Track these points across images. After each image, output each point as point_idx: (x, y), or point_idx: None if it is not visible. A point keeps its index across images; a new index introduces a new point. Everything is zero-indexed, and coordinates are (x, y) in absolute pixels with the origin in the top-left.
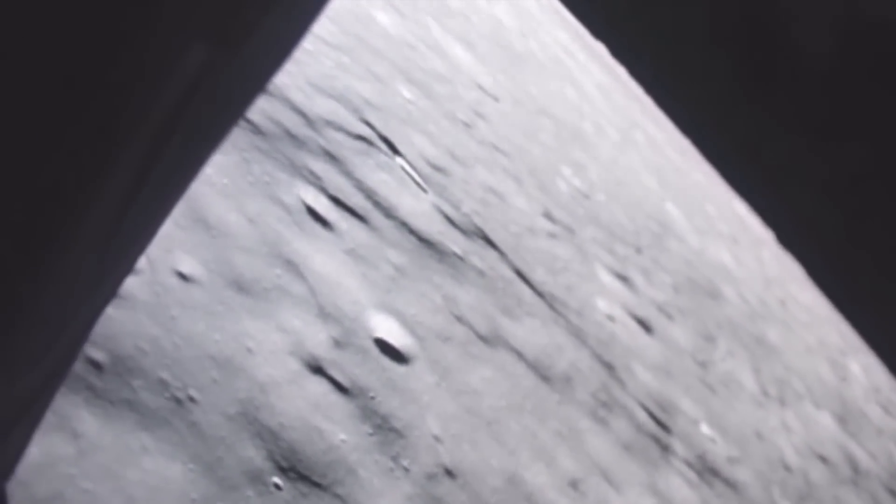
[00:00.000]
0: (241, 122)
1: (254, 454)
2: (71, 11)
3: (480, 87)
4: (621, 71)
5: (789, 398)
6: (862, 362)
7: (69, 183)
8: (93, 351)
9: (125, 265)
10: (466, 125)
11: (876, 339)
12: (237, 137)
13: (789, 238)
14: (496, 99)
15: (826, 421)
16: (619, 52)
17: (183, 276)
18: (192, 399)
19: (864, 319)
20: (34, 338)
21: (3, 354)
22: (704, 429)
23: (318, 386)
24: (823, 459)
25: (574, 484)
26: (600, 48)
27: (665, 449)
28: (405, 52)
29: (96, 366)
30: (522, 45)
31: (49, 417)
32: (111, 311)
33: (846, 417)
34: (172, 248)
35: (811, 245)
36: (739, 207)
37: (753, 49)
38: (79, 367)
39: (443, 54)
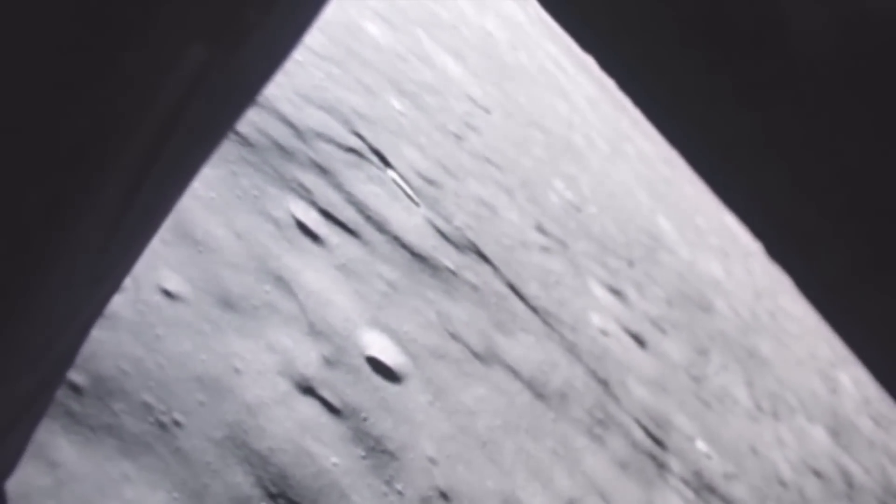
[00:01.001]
0: (230, 134)
1: (242, 480)
2: (70, 12)
3: (471, 99)
4: (610, 83)
5: (782, 412)
6: (851, 374)
7: (68, 184)
8: (72, 373)
9: (123, 267)
10: (458, 137)
11: (864, 350)
12: (225, 149)
13: (778, 249)
14: (487, 111)
15: (819, 435)
16: (607, 65)
17: (168, 294)
18: (176, 423)
19: (852, 331)
20: (33, 339)
21: (2, 355)
22: (700, 445)
23: (309, 407)
24: (818, 474)
25: None
26: (589, 60)
27: (661, 466)
28: (396, 63)
29: (76, 389)
30: (512, 56)
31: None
32: (93, 331)
33: (839, 431)
34: (157, 264)
35: (800, 256)
36: (728, 219)
37: (743, 60)
38: (57, 391)
39: (433, 66)
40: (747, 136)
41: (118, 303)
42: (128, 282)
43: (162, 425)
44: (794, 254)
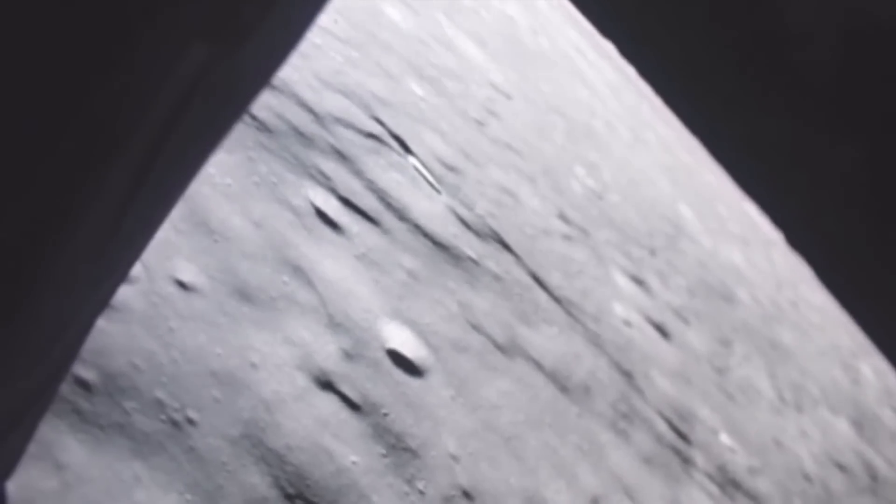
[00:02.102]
0: (246, 119)
1: (258, 481)
2: (70, 12)
3: (492, 85)
4: (630, 70)
5: (806, 404)
6: (872, 365)
7: (68, 183)
8: (81, 369)
9: (123, 266)
10: (479, 123)
11: (884, 340)
12: (242, 135)
13: (798, 239)
14: (508, 96)
15: (842, 427)
16: (627, 51)
17: (182, 285)
18: (190, 421)
19: (872, 321)
20: (34, 339)
21: (3, 355)
22: (724, 438)
23: (328, 403)
24: (842, 467)
25: (596, 502)
26: (609, 47)
27: (686, 461)
28: (416, 47)
29: (85, 386)
30: (533, 42)
31: (30, 447)
32: (102, 324)
33: (861, 422)
34: (171, 254)
35: (820, 246)
36: (749, 208)
37: (760, 45)
38: (65, 388)
39: (454, 50)
40: (768, 124)
41: (130, 294)
42: (140, 272)
43: (175, 423)
44: (815, 243)
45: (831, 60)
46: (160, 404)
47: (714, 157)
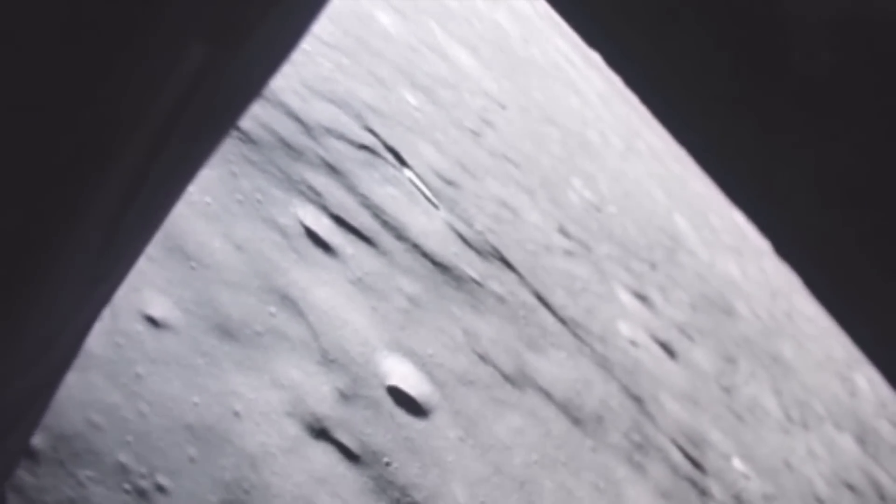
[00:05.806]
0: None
1: None
2: (69, 12)
3: (486, 94)
4: (616, 79)
5: (811, 421)
6: (866, 375)
7: (65, 186)
8: None
9: (121, 269)
10: (475, 133)
11: (874, 350)
12: (224, 147)
13: (786, 248)
14: (503, 106)
15: (848, 444)
16: (614, 61)
17: (153, 322)
18: (160, 488)
19: (862, 330)
20: (32, 339)
21: (2, 353)
22: (737, 464)
23: (323, 454)
24: (851, 488)
25: None
26: (596, 57)
27: (703, 493)
28: (408, 54)
29: (29, 455)
30: (524, 50)
31: None
32: None
33: (864, 438)
34: (140, 285)
35: (807, 254)
36: (738, 217)
37: (748, 55)
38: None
39: (447, 58)
40: (753, 133)
41: (89, 335)
42: None
43: (141, 493)
44: (803, 252)
45: (821, 68)
46: (123, 470)
47: (701, 166)
